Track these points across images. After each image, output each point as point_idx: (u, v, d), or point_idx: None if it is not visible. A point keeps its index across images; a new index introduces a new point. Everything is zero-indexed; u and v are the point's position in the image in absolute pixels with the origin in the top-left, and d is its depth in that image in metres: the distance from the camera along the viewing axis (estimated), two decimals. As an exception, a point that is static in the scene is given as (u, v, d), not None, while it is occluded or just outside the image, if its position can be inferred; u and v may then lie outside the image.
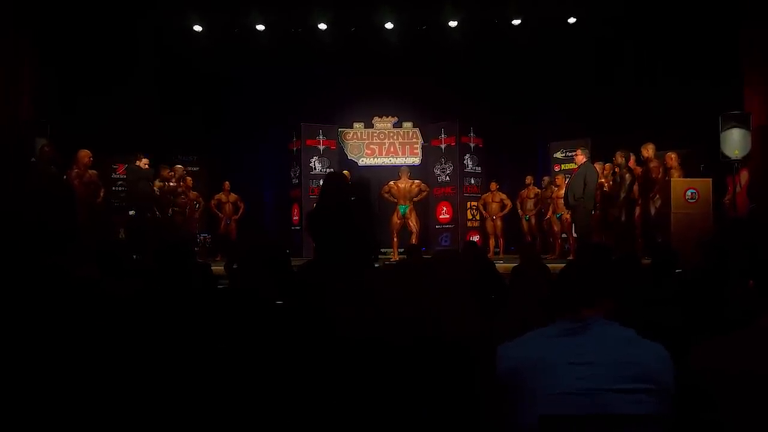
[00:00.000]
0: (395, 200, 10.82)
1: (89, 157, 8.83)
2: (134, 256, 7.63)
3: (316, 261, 3.95)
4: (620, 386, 1.69)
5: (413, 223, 10.73)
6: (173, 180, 10.37)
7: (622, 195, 8.92)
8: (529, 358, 1.74)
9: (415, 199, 10.88)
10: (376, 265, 4.57)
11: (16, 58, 8.74)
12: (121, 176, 10.18)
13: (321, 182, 4.75)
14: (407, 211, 10.74)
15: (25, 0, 8.81)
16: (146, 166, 9.28)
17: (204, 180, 12.07)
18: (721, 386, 1.64)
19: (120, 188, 10.28)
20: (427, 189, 11.22)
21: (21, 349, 2.18)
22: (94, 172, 8.99)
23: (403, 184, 10.87)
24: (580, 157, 8.69)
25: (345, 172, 11.31)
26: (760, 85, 8.54)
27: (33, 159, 8.40)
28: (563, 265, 2.11)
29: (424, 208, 12.35)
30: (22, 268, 3.28)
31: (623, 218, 8.99)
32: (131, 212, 9.29)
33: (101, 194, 9.16)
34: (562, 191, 9.55)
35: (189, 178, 11.04)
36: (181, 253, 3.20)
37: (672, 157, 8.74)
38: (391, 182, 10.99)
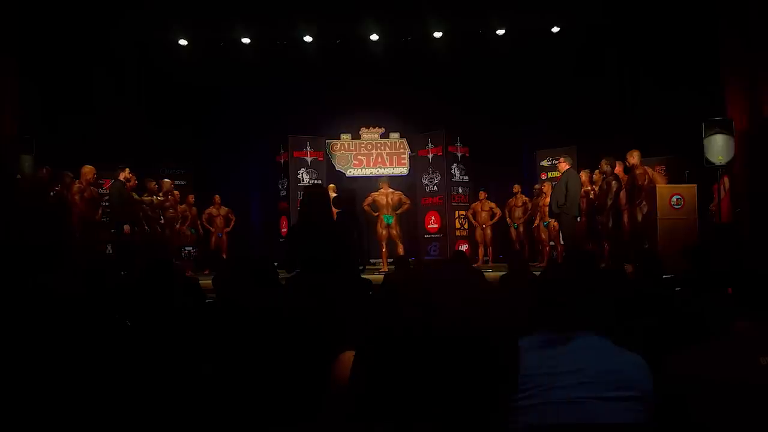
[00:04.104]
0: (376, 213, 10.81)
1: (93, 174, 8.87)
2: (122, 273, 7.61)
3: (303, 274, 3.95)
4: (605, 395, 1.70)
5: (396, 233, 10.76)
6: (161, 194, 10.33)
7: (609, 202, 8.98)
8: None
9: (398, 211, 10.88)
10: (363, 276, 4.57)
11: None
12: (107, 192, 10.12)
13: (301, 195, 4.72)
14: (393, 221, 10.76)
15: (6, 15, 8.74)
16: (129, 175, 9.20)
17: (191, 193, 12.03)
18: (697, 394, 1.65)
19: (107, 203, 10.22)
20: (408, 201, 11.19)
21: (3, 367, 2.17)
22: (96, 189, 9.01)
23: (387, 194, 10.88)
24: (564, 165, 8.76)
25: (331, 185, 11.36)
26: (741, 90, 8.63)
27: (18, 176, 8.33)
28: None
29: (413, 217, 12.39)
30: (5, 287, 3.26)
31: (610, 225, 9.04)
32: (112, 230, 9.21)
33: (100, 211, 9.15)
34: (549, 199, 9.62)
35: (176, 192, 11.02)
36: (167, 270, 3.19)
37: (656, 169, 8.87)
38: (374, 194, 10.97)
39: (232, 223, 11.96)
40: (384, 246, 10.74)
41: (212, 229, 11.72)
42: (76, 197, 8.60)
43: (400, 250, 10.52)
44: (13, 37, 8.82)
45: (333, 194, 10.01)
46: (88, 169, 8.81)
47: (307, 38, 11.61)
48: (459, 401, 0.89)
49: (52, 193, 8.62)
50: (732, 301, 1.91)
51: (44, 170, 8.37)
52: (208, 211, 11.83)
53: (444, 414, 0.89)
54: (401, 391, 0.90)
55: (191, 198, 11.60)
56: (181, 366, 2.21)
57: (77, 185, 8.67)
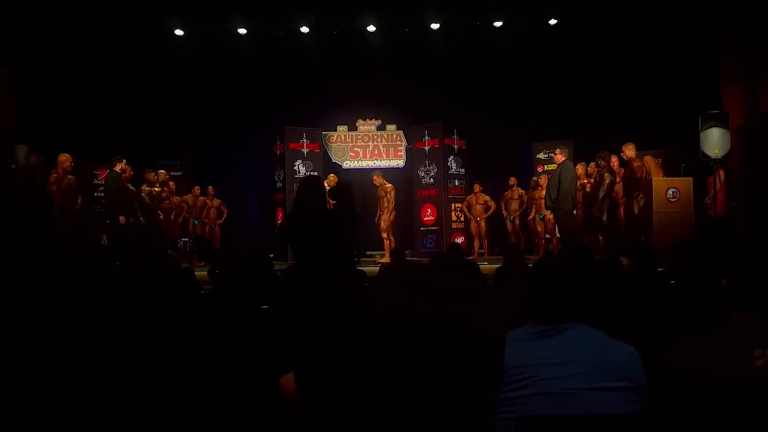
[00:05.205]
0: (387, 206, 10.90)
1: (70, 162, 8.70)
2: (117, 263, 7.60)
3: (298, 265, 3.95)
4: (598, 385, 1.71)
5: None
6: (157, 185, 10.32)
7: (601, 195, 8.99)
8: (506, 362, 1.75)
9: None
10: (358, 268, 4.57)
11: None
12: (103, 182, 10.09)
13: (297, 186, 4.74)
14: None
15: (2, 7, 8.69)
16: (126, 166, 9.16)
17: (187, 184, 12.02)
18: (693, 387, 1.66)
19: (102, 194, 10.20)
20: None
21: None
22: (73, 177, 8.87)
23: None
24: (559, 157, 8.75)
25: (331, 175, 11.35)
26: (738, 84, 8.64)
27: (13, 166, 8.30)
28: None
29: (409, 210, 12.39)
30: (2, 278, 3.25)
31: (604, 218, 9.05)
32: (107, 221, 9.15)
33: (79, 201, 9.02)
34: (545, 192, 9.62)
35: (172, 183, 11.01)
36: (162, 261, 3.19)
37: (650, 160, 8.86)
38: (388, 185, 10.96)
39: (225, 216, 11.97)
40: (386, 238, 10.80)
41: (205, 221, 11.73)
42: (53, 187, 8.50)
43: (393, 242, 10.62)
44: (8, 29, 8.76)
45: (333, 184, 9.99)
46: (64, 158, 8.65)
47: (304, 29, 11.57)
48: (444, 397, 0.89)
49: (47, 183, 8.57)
50: (727, 294, 1.91)
51: (34, 157, 8.28)
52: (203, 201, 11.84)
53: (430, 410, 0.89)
54: (391, 390, 0.90)
55: (197, 189, 11.60)
56: (174, 357, 2.21)
57: (54, 175, 8.56)
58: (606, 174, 9.01)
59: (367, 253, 11.37)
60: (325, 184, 5.58)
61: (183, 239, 11.24)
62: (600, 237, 9.31)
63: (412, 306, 0.92)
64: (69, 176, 8.76)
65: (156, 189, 10.22)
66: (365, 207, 11.42)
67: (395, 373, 0.89)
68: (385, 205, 10.76)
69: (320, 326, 1.16)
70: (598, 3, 10.59)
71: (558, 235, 9.60)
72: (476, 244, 11.65)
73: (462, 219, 12.11)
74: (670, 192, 8.23)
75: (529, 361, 1.73)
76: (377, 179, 10.99)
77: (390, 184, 10.89)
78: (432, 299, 0.94)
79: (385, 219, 10.74)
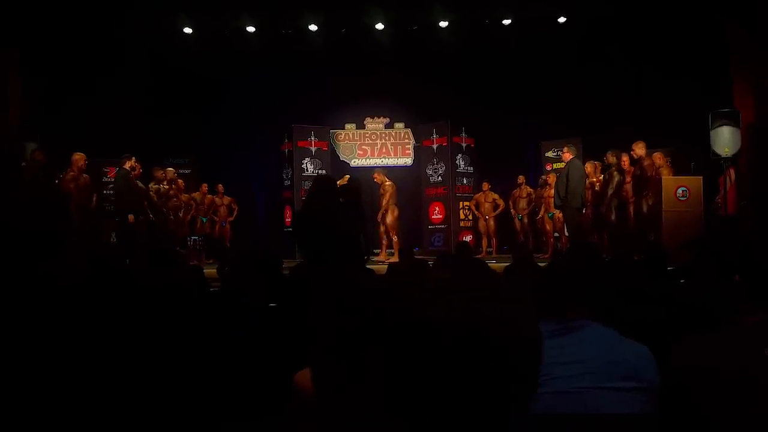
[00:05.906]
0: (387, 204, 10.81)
1: (84, 161, 8.81)
2: (127, 261, 7.63)
3: (306, 263, 3.96)
4: (609, 384, 1.70)
5: None
6: (165, 182, 10.35)
7: (609, 193, 8.95)
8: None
9: None
10: (367, 267, 4.57)
11: (2, 63, 8.66)
12: (112, 180, 10.14)
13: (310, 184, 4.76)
14: None
15: (9, 5, 8.72)
16: (135, 164, 9.21)
17: (195, 182, 12.05)
18: (703, 385, 1.65)
19: (111, 192, 10.24)
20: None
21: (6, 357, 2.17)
22: (88, 176, 8.96)
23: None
24: (567, 155, 8.72)
25: (346, 176, 11.32)
26: (749, 82, 8.57)
27: (23, 164, 8.36)
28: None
29: (417, 208, 12.37)
30: (11, 275, 3.27)
31: (613, 217, 9.01)
32: (116, 218, 9.20)
33: (94, 199, 9.11)
34: (553, 190, 9.60)
35: (180, 181, 11.05)
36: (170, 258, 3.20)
37: (659, 157, 8.81)
38: (387, 183, 10.91)
39: (236, 213, 12.02)
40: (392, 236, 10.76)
41: (216, 218, 11.77)
42: (71, 185, 8.59)
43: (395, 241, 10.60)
44: (16, 28, 8.79)
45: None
46: (78, 157, 8.76)
47: (313, 27, 11.57)
48: (484, 398, 0.88)
49: (57, 181, 8.62)
50: (738, 292, 1.90)
51: (39, 154, 8.34)
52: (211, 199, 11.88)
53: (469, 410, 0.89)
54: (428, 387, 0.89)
55: (204, 187, 11.64)
56: (183, 354, 2.22)
57: (70, 173, 8.65)
58: (615, 173, 8.98)
59: (375, 251, 11.36)
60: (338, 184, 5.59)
61: (192, 237, 11.28)
62: (605, 236, 9.27)
63: (446, 306, 0.91)
64: (84, 174, 8.86)
65: (164, 186, 10.26)
66: (373, 206, 11.40)
67: (438, 373, 0.88)
68: (383, 203, 10.72)
69: (339, 324, 1.16)
70: (605, 1, 10.54)
71: (567, 233, 9.57)
72: (485, 242, 11.62)
73: (470, 217, 12.10)
74: (679, 191, 8.19)
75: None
76: (378, 177, 10.94)
77: (389, 182, 10.83)
78: (465, 299, 0.93)
79: (388, 216, 10.69)
